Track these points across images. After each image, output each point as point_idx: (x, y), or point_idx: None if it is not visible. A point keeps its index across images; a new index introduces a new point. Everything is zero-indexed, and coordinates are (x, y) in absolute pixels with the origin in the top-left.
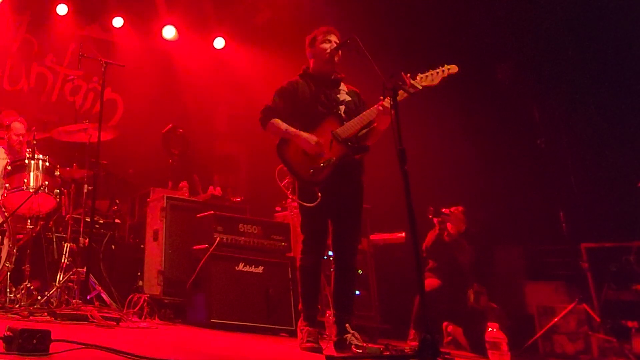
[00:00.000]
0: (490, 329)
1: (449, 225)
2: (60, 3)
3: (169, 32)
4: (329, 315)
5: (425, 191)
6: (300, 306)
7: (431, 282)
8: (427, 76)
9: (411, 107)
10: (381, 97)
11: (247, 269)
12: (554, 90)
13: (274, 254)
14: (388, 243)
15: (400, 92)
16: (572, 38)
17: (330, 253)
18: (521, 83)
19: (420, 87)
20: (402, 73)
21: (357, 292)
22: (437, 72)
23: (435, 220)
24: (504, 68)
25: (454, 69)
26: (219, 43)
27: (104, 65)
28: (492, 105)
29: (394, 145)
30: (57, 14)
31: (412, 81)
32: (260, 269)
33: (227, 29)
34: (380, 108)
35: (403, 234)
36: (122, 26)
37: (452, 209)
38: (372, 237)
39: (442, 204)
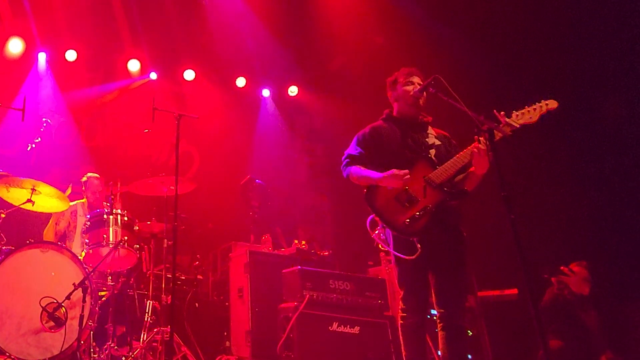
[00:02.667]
0: None
1: (570, 285)
2: (131, 59)
3: (241, 82)
4: None
5: (537, 242)
6: None
7: (552, 344)
8: (523, 113)
9: (511, 149)
10: (476, 137)
11: (341, 329)
12: None
13: (371, 312)
14: (499, 300)
15: (497, 132)
16: None
17: (433, 312)
18: (634, 118)
19: (518, 126)
20: (495, 111)
21: (469, 357)
22: (535, 109)
23: (553, 279)
24: (614, 102)
25: (553, 104)
26: (293, 91)
27: (178, 117)
28: (602, 144)
29: (498, 191)
30: (129, 70)
31: (507, 119)
32: (356, 330)
33: (300, 76)
34: (475, 150)
35: (515, 291)
36: (193, 79)
37: (573, 265)
38: (480, 294)
39: (557, 256)
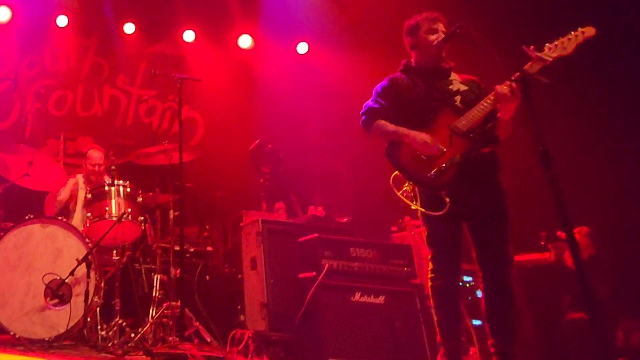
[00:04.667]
0: None
1: (567, 253)
2: (127, 22)
3: (245, 41)
4: (474, 353)
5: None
6: (438, 339)
7: (573, 316)
8: (556, 45)
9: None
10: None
11: (365, 299)
12: None
13: (396, 281)
14: (536, 265)
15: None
16: None
17: (466, 278)
18: None
19: (551, 59)
20: (524, 47)
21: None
22: (569, 38)
23: (550, 246)
24: None
25: (590, 31)
26: (302, 48)
27: (179, 81)
28: None
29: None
30: (125, 34)
31: (538, 54)
32: (381, 299)
33: (310, 32)
34: (499, 93)
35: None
36: (193, 40)
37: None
38: (517, 258)
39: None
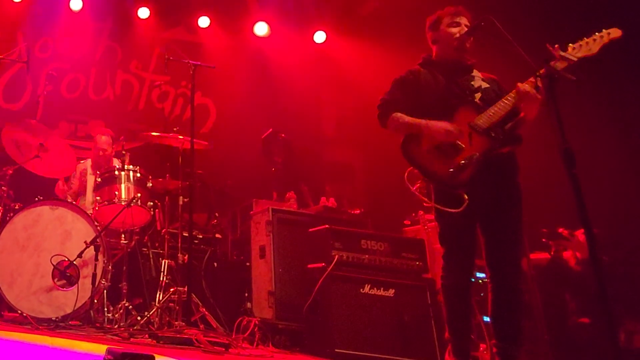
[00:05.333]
0: None
1: (567, 252)
2: (141, 6)
3: (261, 28)
4: (484, 349)
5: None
6: (446, 335)
7: (580, 321)
8: (581, 45)
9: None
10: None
11: (374, 291)
12: None
13: (407, 275)
14: (536, 263)
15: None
16: None
17: (479, 274)
18: None
19: (575, 59)
20: (548, 45)
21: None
22: (595, 39)
23: (551, 243)
24: None
25: (616, 33)
26: (320, 37)
27: (193, 67)
28: None
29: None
30: (139, 18)
31: (562, 53)
32: (390, 292)
33: (329, 21)
34: (522, 90)
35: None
36: (208, 26)
37: (580, 233)
38: (532, 256)
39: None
